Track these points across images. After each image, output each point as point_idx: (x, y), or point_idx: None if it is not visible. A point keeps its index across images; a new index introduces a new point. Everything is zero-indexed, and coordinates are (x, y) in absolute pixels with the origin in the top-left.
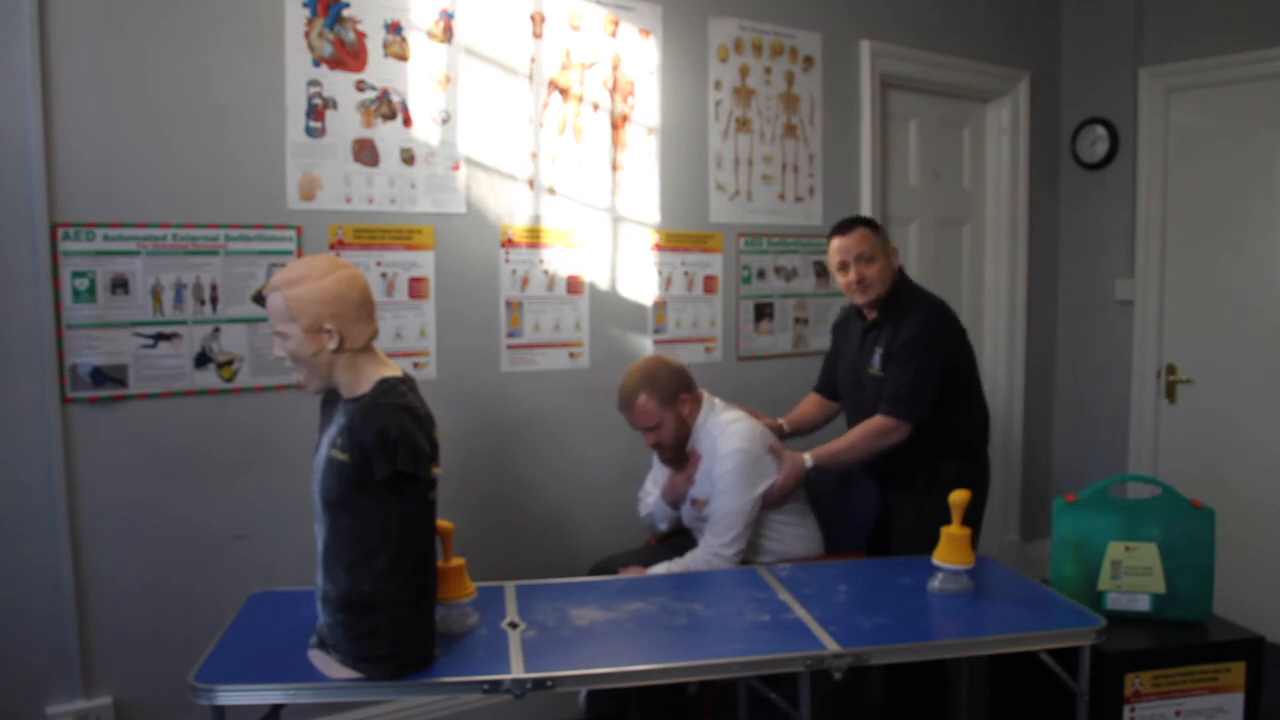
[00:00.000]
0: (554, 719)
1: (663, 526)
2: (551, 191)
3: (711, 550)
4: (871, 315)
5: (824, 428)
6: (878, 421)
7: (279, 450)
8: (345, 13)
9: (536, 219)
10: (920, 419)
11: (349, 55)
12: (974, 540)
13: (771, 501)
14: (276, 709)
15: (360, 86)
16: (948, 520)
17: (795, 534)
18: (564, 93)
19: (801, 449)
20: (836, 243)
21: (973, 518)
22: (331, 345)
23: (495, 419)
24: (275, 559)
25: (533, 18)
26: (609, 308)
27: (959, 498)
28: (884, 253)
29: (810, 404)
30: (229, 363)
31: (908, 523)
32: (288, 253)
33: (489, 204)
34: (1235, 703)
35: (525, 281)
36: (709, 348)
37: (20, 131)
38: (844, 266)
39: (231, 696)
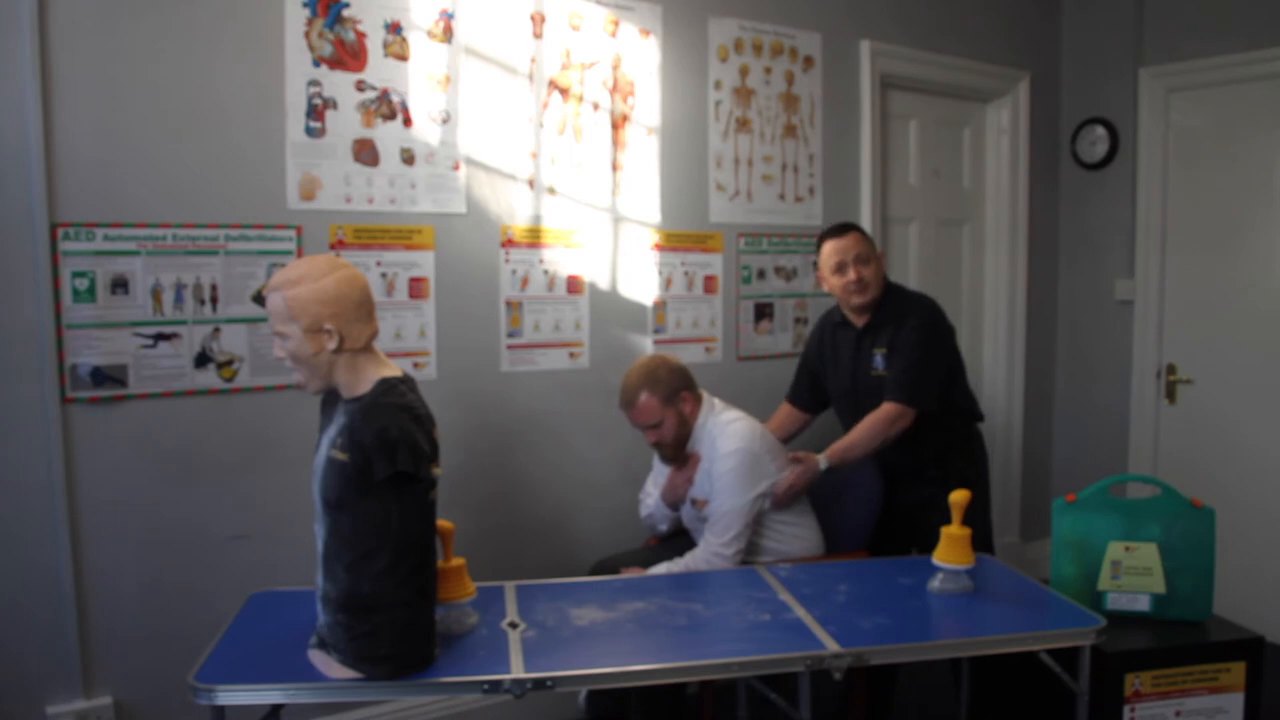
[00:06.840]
0: (554, 719)
1: (663, 528)
2: (552, 191)
3: (711, 550)
4: (862, 321)
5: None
6: (885, 409)
7: (279, 450)
8: (345, 13)
9: (537, 219)
10: (926, 406)
11: (349, 55)
12: (987, 518)
13: (780, 501)
14: (276, 709)
15: (360, 86)
16: (973, 506)
17: (795, 534)
18: (564, 93)
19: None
20: (832, 245)
21: (980, 504)
22: (331, 345)
23: (495, 419)
24: (275, 559)
25: (533, 18)
26: (609, 308)
27: (959, 498)
28: (875, 255)
29: (784, 414)
30: (229, 363)
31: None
32: (288, 253)
33: (489, 204)
34: (1235, 703)
35: (525, 281)
36: (709, 348)
37: (20, 131)
38: (842, 268)
39: (231, 696)
